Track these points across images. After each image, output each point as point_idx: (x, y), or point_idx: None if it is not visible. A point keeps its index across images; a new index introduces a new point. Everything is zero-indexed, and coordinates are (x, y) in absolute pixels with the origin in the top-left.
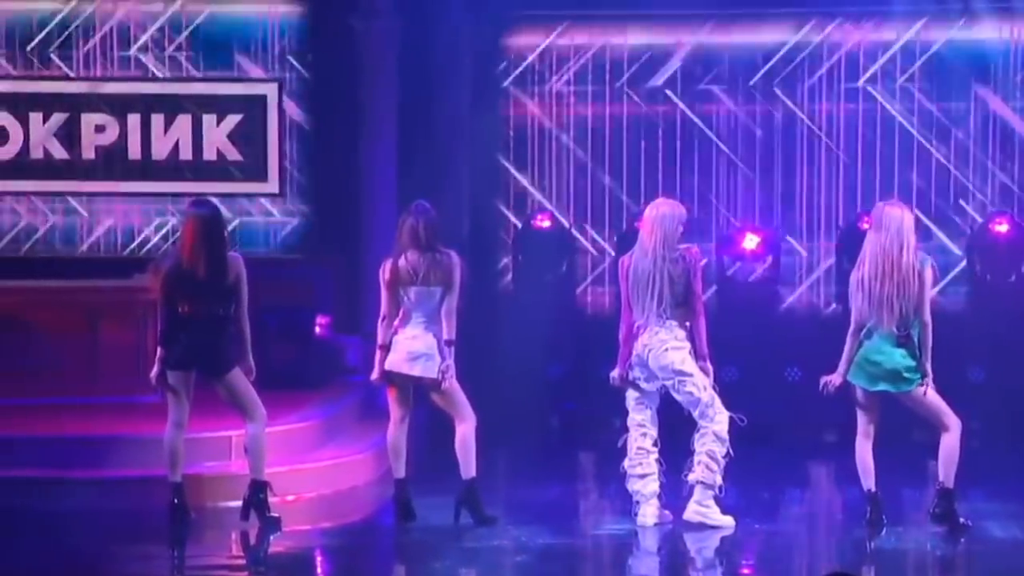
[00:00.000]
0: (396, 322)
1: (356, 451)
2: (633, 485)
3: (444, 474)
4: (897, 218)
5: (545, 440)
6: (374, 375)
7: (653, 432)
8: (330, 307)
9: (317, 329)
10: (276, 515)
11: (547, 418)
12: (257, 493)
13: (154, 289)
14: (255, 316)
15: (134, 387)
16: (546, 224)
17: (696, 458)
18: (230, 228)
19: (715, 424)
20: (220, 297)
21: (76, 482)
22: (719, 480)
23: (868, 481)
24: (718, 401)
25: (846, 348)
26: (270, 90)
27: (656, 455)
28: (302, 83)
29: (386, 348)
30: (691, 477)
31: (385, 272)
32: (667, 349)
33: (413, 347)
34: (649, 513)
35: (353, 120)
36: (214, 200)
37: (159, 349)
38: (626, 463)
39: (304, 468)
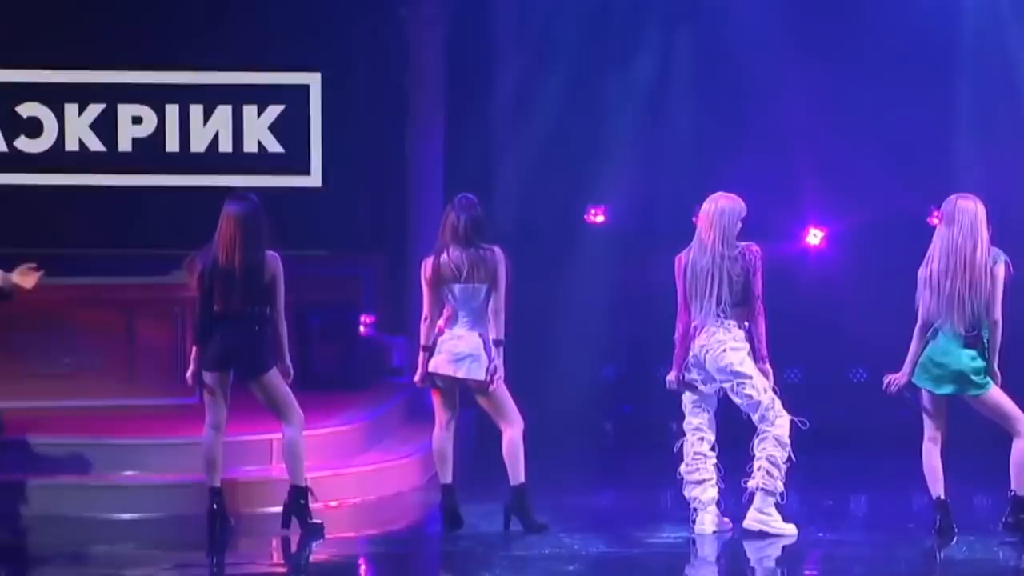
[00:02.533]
0: (441, 322)
1: (401, 455)
2: (690, 491)
3: (493, 479)
4: (971, 211)
5: (598, 444)
6: (417, 377)
7: (711, 436)
8: (375, 305)
9: (361, 328)
10: (318, 521)
11: (601, 422)
12: (297, 499)
13: (191, 286)
14: (298, 315)
15: (172, 389)
16: (600, 219)
17: (756, 463)
18: (270, 224)
19: (775, 428)
20: (256, 296)
21: (112, 487)
22: (780, 486)
23: (937, 488)
24: (778, 404)
25: (912, 347)
26: (313, 80)
27: (714, 460)
28: (347, 72)
29: (429, 349)
30: (751, 483)
31: (426, 269)
32: (725, 350)
33: (457, 348)
34: (707, 521)
35: (400, 110)
36: (253, 195)
37: (194, 348)
38: (683, 468)
39: (347, 473)
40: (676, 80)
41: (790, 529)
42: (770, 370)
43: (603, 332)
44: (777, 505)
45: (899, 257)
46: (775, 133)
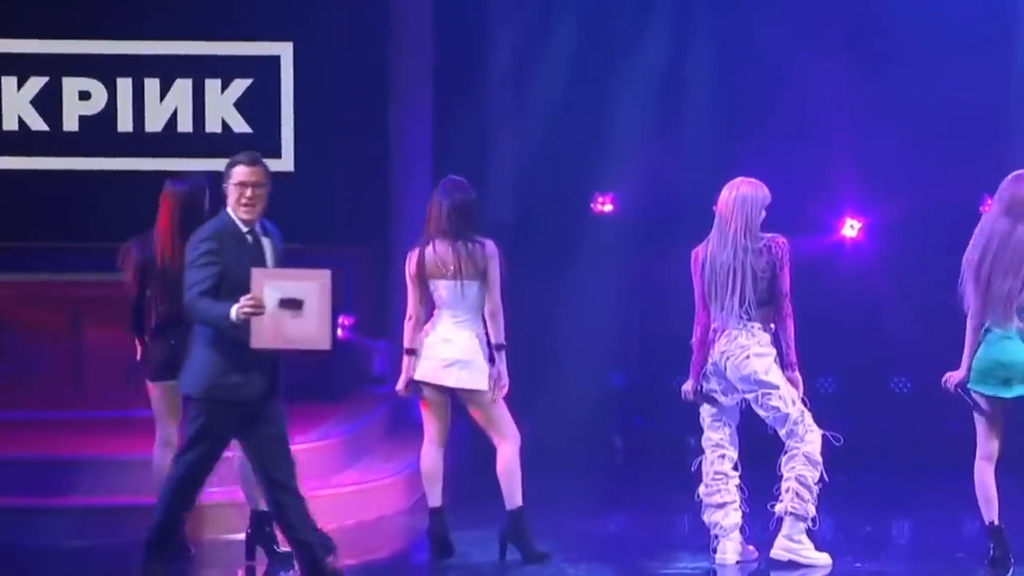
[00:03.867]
0: (428, 324)
1: (384, 475)
2: (711, 516)
3: (487, 502)
4: None
5: (607, 462)
6: (400, 384)
7: (733, 454)
8: (354, 305)
9: (339, 331)
10: (287, 550)
11: (609, 436)
12: (262, 525)
13: (127, 283)
14: None
15: (124, 399)
16: (608, 208)
17: (784, 484)
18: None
19: (805, 444)
20: None
21: (54, 511)
22: (812, 510)
23: (991, 512)
24: (809, 417)
25: (967, 342)
26: (284, 50)
27: (737, 480)
28: (322, 42)
29: (414, 353)
30: (779, 507)
31: (411, 264)
32: (748, 356)
33: (446, 353)
34: (730, 549)
35: (381, 85)
36: (201, 177)
37: (138, 353)
38: (702, 490)
39: (323, 495)
40: (694, 54)
41: (823, 559)
42: (800, 379)
43: (612, 335)
44: (808, 531)
45: (946, 251)
46: (806, 112)
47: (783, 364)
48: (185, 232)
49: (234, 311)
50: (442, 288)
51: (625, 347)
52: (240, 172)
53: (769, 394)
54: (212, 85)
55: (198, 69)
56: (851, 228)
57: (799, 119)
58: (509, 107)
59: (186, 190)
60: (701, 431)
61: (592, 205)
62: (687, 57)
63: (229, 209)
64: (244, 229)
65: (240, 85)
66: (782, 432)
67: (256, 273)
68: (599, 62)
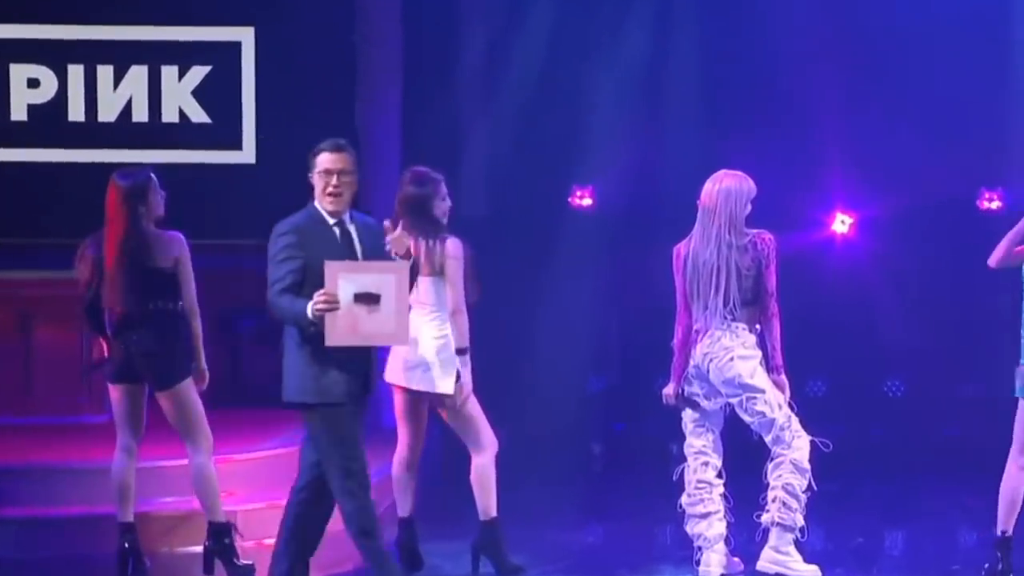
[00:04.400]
0: None
1: None
2: (694, 527)
3: (460, 512)
4: None
5: (585, 469)
6: None
7: (717, 461)
8: None
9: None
10: (248, 563)
11: (588, 442)
12: (220, 537)
13: (81, 282)
14: (225, 317)
15: (76, 405)
16: (587, 202)
17: (771, 494)
18: (166, 200)
19: (793, 451)
20: (158, 290)
21: (2, 522)
22: (800, 520)
23: (1008, 521)
24: (796, 422)
25: None
26: (245, 36)
27: (721, 489)
28: (285, 27)
29: None
30: (765, 518)
31: None
32: (732, 358)
33: (409, 354)
34: (714, 561)
35: (347, 72)
36: (148, 169)
37: (104, 351)
38: (685, 500)
39: (284, 504)
40: (676, 42)
41: (812, 571)
42: (786, 382)
43: (590, 336)
44: (796, 542)
45: (943, 248)
46: (793, 102)
47: (769, 367)
48: (132, 228)
49: (310, 308)
50: None
51: (604, 349)
52: (324, 159)
53: (754, 398)
54: (169, 72)
55: (154, 55)
56: (842, 224)
57: (786, 108)
58: (482, 97)
59: (130, 184)
60: (683, 437)
61: (570, 199)
62: (668, 46)
63: (316, 201)
64: (331, 221)
65: (198, 72)
66: (768, 438)
67: (329, 267)
68: (576, 50)
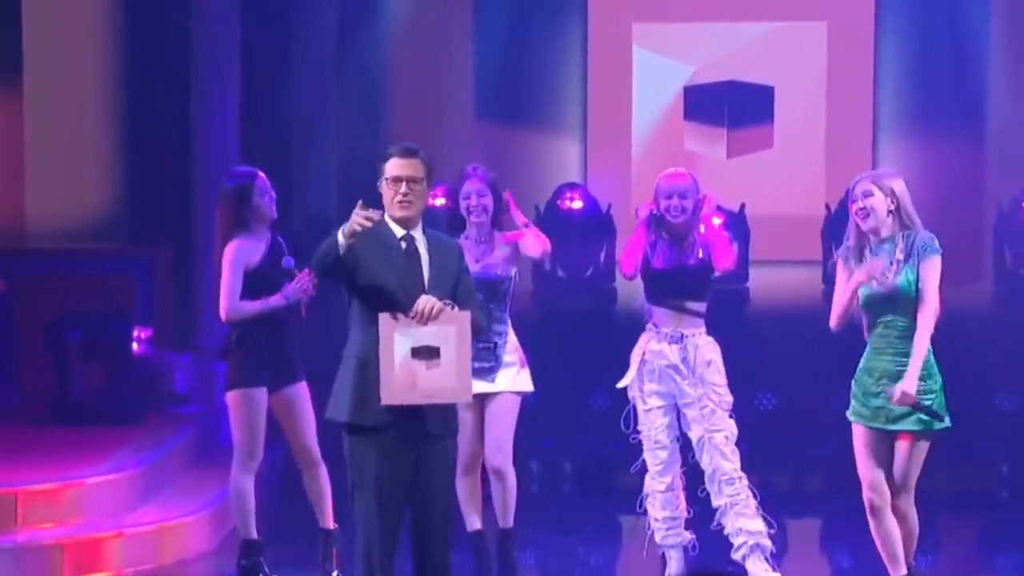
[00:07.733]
0: None
1: (187, 511)
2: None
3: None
4: None
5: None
6: None
7: (682, 496)
8: (152, 314)
9: (135, 345)
10: None
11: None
12: (253, 555)
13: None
14: (50, 327)
15: None
16: (440, 202)
17: (736, 540)
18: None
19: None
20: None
21: None
22: (764, 528)
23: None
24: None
25: None
26: None
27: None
28: (110, 18)
29: None
30: (737, 556)
31: None
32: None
33: None
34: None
35: (181, 59)
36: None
37: None
38: (658, 537)
39: (115, 536)
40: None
41: None
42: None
43: None
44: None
45: None
46: None
47: None
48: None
49: (341, 235)
50: None
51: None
52: (393, 166)
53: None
54: None
55: None
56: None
57: None
58: (329, 86)
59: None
60: (623, 442)
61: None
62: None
63: (386, 213)
64: (398, 234)
65: None
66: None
67: (384, 319)
68: (432, 34)
